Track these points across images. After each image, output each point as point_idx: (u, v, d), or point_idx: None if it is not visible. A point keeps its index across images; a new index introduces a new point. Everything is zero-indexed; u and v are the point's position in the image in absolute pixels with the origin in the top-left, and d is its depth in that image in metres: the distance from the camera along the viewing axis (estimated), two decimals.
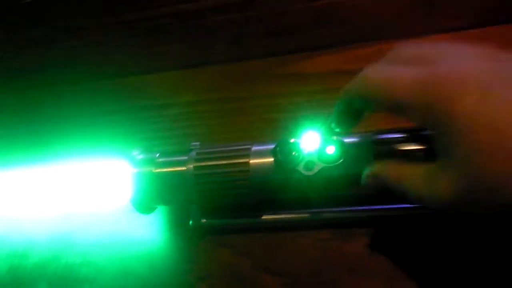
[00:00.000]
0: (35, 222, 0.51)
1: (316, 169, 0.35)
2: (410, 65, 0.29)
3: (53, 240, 0.50)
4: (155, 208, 0.45)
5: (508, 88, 0.25)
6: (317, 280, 0.40)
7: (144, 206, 0.44)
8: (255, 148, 0.39)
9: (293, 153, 0.36)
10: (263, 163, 0.38)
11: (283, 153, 0.36)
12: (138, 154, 0.44)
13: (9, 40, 0.58)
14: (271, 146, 0.38)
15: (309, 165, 0.36)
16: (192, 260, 0.45)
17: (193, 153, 0.41)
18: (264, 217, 0.42)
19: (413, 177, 0.30)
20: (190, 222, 0.43)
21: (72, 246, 0.49)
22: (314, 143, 0.36)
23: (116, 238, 0.48)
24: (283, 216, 0.41)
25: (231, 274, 0.43)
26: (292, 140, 0.37)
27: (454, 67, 0.27)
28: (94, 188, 0.47)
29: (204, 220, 0.43)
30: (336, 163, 0.35)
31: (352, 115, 0.34)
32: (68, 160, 0.48)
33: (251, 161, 0.38)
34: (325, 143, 0.36)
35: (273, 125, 0.47)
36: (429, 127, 0.29)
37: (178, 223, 0.46)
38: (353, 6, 0.47)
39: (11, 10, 0.56)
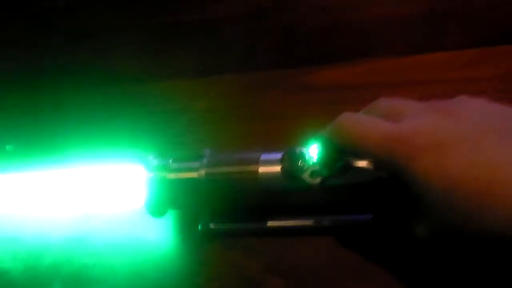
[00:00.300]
0: (51, 223, 0.53)
1: (320, 178, 0.37)
2: (384, 119, 0.32)
3: (67, 241, 0.52)
4: (166, 212, 0.47)
5: (462, 146, 0.28)
6: (323, 283, 0.42)
7: (156, 209, 0.45)
8: (263, 156, 0.41)
9: (300, 162, 0.38)
10: (271, 171, 0.40)
11: (290, 162, 0.38)
12: (153, 159, 0.46)
13: (33, 43, 0.61)
14: (279, 155, 0.40)
15: (314, 174, 0.37)
16: (202, 263, 0.46)
17: (205, 160, 0.43)
18: (270, 222, 0.43)
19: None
20: (199, 226, 0.45)
21: (86, 247, 0.51)
22: (320, 153, 0.37)
23: (129, 240, 0.50)
24: (288, 222, 0.43)
25: (240, 276, 0.44)
26: (299, 150, 0.38)
27: (416, 125, 0.30)
28: (109, 191, 0.49)
29: (212, 225, 0.45)
30: (339, 173, 0.37)
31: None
32: (84, 162, 0.50)
33: (260, 169, 0.40)
34: (329, 153, 0.37)
35: (282, 134, 0.49)
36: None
37: (188, 227, 0.48)
38: (361, 21, 0.49)
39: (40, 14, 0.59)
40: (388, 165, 0.31)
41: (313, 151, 0.38)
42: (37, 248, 0.53)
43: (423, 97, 0.34)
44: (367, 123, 0.33)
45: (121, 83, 0.56)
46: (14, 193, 0.53)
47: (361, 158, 0.34)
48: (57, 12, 0.61)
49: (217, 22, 0.57)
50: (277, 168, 0.39)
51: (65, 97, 0.58)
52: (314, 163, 0.37)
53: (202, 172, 0.42)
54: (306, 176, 0.37)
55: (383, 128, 0.31)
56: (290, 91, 0.52)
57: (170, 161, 0.45)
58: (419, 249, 0.35)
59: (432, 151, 0.28)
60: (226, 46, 0.57)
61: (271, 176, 0.40)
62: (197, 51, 0.58)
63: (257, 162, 0.41)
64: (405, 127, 0.30)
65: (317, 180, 0.37)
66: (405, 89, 0.48)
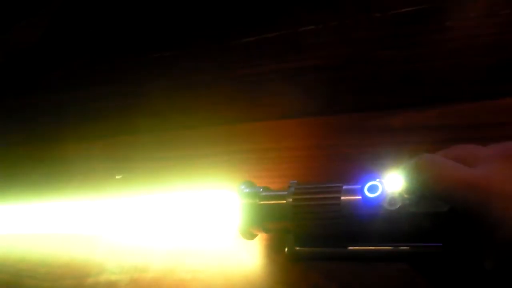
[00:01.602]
0: (155, 241, 0.60)
1: (398, 205, 0.41)
2: (460, 162, 0.36)
3: (168, 257, 0.59)
4: (256, 235, 0.53)
5: None
6: None
7: (247, 233, 0.51)
8: (345, 186, 0.46)
9: (379, 191, 0.42)
10: (352, 199, 0.44)
11: (369, 191, 0.43)
12: (244, 188, 0.52)
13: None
14: (360, 185, 0.45)
15: (392, 202, 0.42)
16: (286, 282, 0.51)
17: (292, 189, 0.48)
18: (350, 248, 0.47)
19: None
20: (286, 249, 0.50)
21: (184, 263, 0.57)
22: (397, 183, 0.42)
23: (222, 259, 0.56)
24: (366, 248, 0.47)
25: None
26: (379, 180, 0.43)
27: (490, 172, 0.33)
28: (207, 215, 0.55)
29: (298, 248, 0.50)
30: (416, 202, 0.41)
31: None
32: (188, 192, 0.58)
33: (342, 197, 0.45)
34: (407, 185, 0.42)
35: (360, 170, 0.53)
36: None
37: (275, 249, 0.54)
38: (431, 70, 0.54)
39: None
40: (461, 206, 0.34)
41: (392, 182, 0.42)
42: (141, 261, 0.60)
43: (496, 139, 0.38)
44: (444, 165, 0.36)
45: (219, 124, 0.64)
46: (125, 215, 0.62)
47: (435, 196, 0.38)
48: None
49: (303, 69, 0.63)
50: (357, 197, 0.44)
51: (177, 135, 0.66)
52: (392, 192, 0.41)
53: (289, 199, 0.48)
54: (385, 203, 0.42)
55: (459, 172, 0.35)
56: (367, 132, 0.57)
57: (261, 190, 0.51)
58: (486, 280, 0.38)
59: (503, 198, 0.31)
60: (309, 91, 0.62)
61: (352, 204, 0.44)
62: (284, 96, 0.64)
63: (339, 191, 0.46)
64: (480, 173, 0.34)
65: (395, 207, 0.41)
66: (479, 132, 0.52)
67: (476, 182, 0.33)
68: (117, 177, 0.67)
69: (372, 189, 0.43)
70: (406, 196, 0.41)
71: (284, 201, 0.48)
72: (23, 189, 0.73)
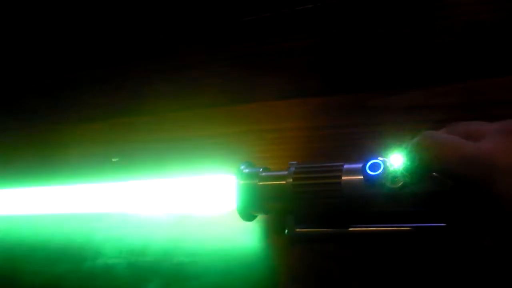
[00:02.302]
0: (153, 224, 0.60)
1: (400, 183, 0.40)
2: (464, 138, 0.35)
3: (167, 241, 0.58)
4: (255, 217, 0.52)
5: None
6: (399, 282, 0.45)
7: (247, 214, 0.50)
8: (346, 166, 0.45)
9: (381, 169, 0.41)
10: (353, 178, 0.44)
11: (372, 169, 0.42)
12: (244, 169, 0.51)
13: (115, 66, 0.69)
14: (361, 165, 0.44)
15: (394, 180, 0.41)
16: (286, 263, 0.51)
17: (292, 169, 0.47)
18: (351, 228, 0.47)
19: None
20: (286, 230, 0.49)
21: (183, 247, 0.57)
22: (399, 161, 0.41)
23: (221, 241, 0.55)
24: (369, 228, 0.46)
25: (321, 276, 0.48)
26: (380, 159, 0.42)
27: (493, 146, 0.33)
28: (205, 196, 0.55)
29: (298, 229, 0.49)
30: (418, 180, 0.40)
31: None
32: (186, 174, 0.57)
33: (343, 176, 0.44)
34: (409, 164, 0.41)
35: (362, 150, 0.53)
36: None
37: (275, 231, 0.53)
38: (433, 48, 0.53)
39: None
40: (465, 181, 0.34)
41: (394, 160, 0.41)
42: (139, 246, 0.59)
43: (500, 117, 0.37)
44: (447, 141, 0.35)
45: (217, 106, 0.63)
46: (122, 197, 0.61)
47: (440, 173, 0.37)
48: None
49: (299, 50, 0.62)
50: (359, 176, 0.43)
51: (180, 118, 0.65)
52: (394, 170, 0.41)
53: (290, 179, 0.47)
54: (387, 181, 0.41)
55: (462, 147, 0.34)
56: (368, 112, 0.56)
57: (260, 170, 0.50)
58: (488, 259, 0.38)
59: (508, 172, 0.31)
60: (310, 71, 0.61)
61: (353, 183, 0.44)
62: (282, 77, 0.62)
63: (340, 170, 0.45)
64: (484, 147, 0.33)
65: (397, 185, 0.40)
66: (483, 110, 0.51)
67: (480, 156, 0.33)
68: (113, 159, 0.66)
69: (374, 167, 0.42)
70: (408, 174, 0.40)
71: (284, 182, 0.47)
72: (19, 173, 0.72)
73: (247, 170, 0.51)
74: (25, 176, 0.72)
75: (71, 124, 0.71)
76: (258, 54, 0.63)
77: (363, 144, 0.53)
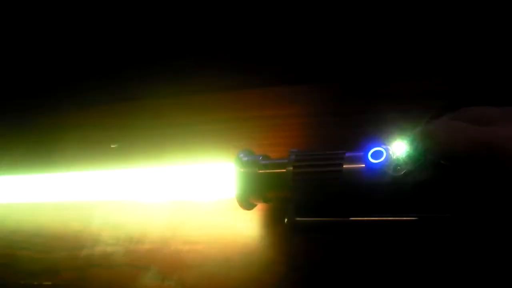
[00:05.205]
0: (150, 212, 0.59)
1: (402, 171, 0.39)
2: (472, 124, 0.34)
3: (165, 229, 0.57)
4: (255, 205, 0.51)
5: None
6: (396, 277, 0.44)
7: (246, 202, 0.49)
8: (348, 154, 0.44)
9: (383, 157, 0.40)
10: (355, 166, 0.42)
11: (374, 157, 0.41)
12: (243, 157, 0.50)
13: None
14: (362, 153, 0.43)
15: (396, 168, 0.40)
16: (286, 253, 0.50)
17: (293, 157, 0.46)
18: (352, 218, 0.46)
19: None
20: (286, 219, 0.48)
21: (181, 235, 0.56)
22: (402, 149, 0.40)
23: (220, 229, 0.54)
24: (371, 218, 0.45)
25: (321, 266, 0.47)
26: (383, 147, 0.41)
27: (506, 129, 0.32)
28: (204, 184, 0.54)
29: (298, 219, 0.48)
30: (422, 169, 0.39)
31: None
32: (185, 161, 0.56)
33: (344, 164, 0.43)
34: (413, 151, 0.40)
35: (364, 137, 0.51)
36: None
37: (275, 220, 0.52)
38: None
39: None
40: (473, 166, 0.33)
41: (396, 148, 0.40)
42: (137, 233, 0.58)
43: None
44: (454, 126, 0.34)
45: (217, 91, 0.62)
46: (120, 185, 0.60)
47: (448, 160, 0.35)
48: None
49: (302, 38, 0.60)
50: (361, 164, 0.42)
51: (176, 105, 0.64)
52: (397, 158, 0.39)
53: (290, 167, 0.46)
54: (389, 169, 0.40)
55: (469, 131, 0.33)
56: (373, 99, 0.55)
57: (260, 158, 0.49)
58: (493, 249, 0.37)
59: None
60: (311, 57, 0.60)
61: (355, 172, 0.42)
62: (283, 64, 0.61)
63: (342, 158, 0.44)
64: (493, 131, 0.32)
65: (400, 173, 0.39)
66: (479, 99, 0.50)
67: (489, 140, 0.32)
68: (112, 146, 0.65)
69: (376, 155, 0.41)
70: (411, 162, 0.39)
71: (284, 170, 0.46)
72: (16, 159, 0.71)
73: (246, 158, 0.50)
74: (22, 164, 0.71)
75: (69, 110, 0.70)
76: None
77: (366, 132, 0.52)
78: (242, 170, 0.49)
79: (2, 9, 0.76)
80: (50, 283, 0.61)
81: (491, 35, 0.51)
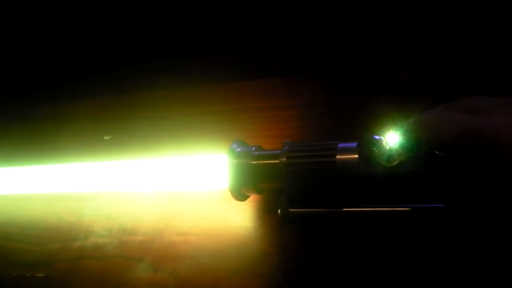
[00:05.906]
0: (144, 203, 0.59)
1: (396, 161, 0.39)
2: (465, 113, 0.34)
3: (158, 220, 0.57)
4: (248, 196, 0.51)
5: None
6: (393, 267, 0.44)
7: (239, 193, 0.49)
8: (341, 145, 0.44)
9: (377, 148, 0.40)
10: (348, 157, 0.42)
11: (367, 148, 0.41)
12: (236, 148, 0.50)
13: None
14: (356, 144, 0.42)
15: (390, 159, 0.39)
16: (278, 245, 0.50)
17: (286, 147, 0.46)
18: (346, 209, 0.46)
19: None
20: (279, 210, 0.48)
21: (174, 226, 0.56)
22: (396, 139, 0.39)
23: (213, 221, 0.54)
24: (364, 209, 0.45)
25: (314, 257, 0.47)
26: (376, 137, 0.41)
27: (502, 120, 0.32)
28: (197, 175, 0.53)
29: (291, 210, 0.48)
30: (415, 159, 0.39)
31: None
32: (178, 152, 0.55)
33: (338, 155, 0.43)
34: (406, 142, 0.39)
35: (357, 129, 0.51)
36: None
37: (268, 211, 0.52)
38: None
39: None
40: (467, 155, 0.33)
41: (390, 139, 0.40)
42: (130, 225, 0.58)
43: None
44: (448, 116, 0.34)
45: (213, 83, 0.61)
46: (113, 176, 0.60)
47: (441, 149, 0.35)
48: None
49: (300, 30, 0.60)
50: (354, 155, 0.42)
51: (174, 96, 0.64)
52: (390, 149, 0.39)
53: (283, 158, 0.46)
54: (382, 160, 0.40)
55: (464, 120, 0.33)
56: (367, 91, 0.54)
57: (253, 149, 0.49)
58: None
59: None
60: (307, 50, 0.59)
61: (348, 162, 0.42)
62: (279, 55, 0.61)
63: (335, 148, 0.43)
64: (487, 120, 0.32)
65: (393, 164, 0.39)
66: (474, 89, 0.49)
67: (483, 129, 0.32)
68: (105, 137, 0.65)
69: (369, 145, 0.41)
70: (404, 153, 0.39)
71: (278, 161, 0.46)
72: (10, 151, 0.71)
73: (239, 149, 0.49)
74: (16, 156, 0.71)
75: (62, 102, 0.70)
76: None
77: (359, 123, 0.52)
78: (235, 161, 0.49)
79: None
80: (43, 274, 0.61)
81: (481, 28, 0.51)
